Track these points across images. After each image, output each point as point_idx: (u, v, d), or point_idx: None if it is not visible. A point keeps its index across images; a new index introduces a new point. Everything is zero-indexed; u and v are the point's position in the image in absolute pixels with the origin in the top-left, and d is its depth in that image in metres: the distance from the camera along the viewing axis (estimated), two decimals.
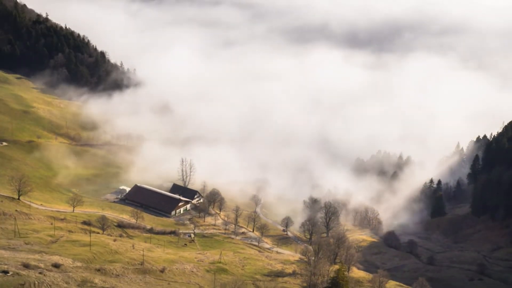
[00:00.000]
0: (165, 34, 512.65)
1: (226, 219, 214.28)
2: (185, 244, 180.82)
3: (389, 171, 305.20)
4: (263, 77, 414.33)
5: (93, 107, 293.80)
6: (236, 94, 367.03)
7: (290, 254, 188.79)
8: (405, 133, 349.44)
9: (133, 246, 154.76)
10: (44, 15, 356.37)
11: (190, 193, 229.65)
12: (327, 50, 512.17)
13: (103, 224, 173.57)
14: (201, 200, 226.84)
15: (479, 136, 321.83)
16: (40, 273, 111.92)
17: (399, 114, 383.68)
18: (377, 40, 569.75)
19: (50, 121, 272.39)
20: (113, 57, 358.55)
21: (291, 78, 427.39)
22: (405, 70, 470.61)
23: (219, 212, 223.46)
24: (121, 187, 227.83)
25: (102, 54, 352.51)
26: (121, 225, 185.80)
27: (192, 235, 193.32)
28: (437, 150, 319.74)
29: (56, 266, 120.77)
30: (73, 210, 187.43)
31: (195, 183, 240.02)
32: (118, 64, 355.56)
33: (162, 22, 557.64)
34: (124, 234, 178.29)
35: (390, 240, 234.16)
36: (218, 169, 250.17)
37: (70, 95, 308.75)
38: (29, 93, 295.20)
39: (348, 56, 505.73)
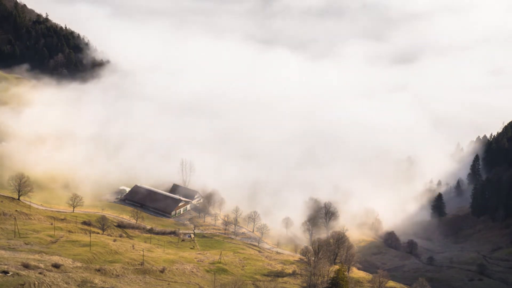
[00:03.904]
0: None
1: (226, 219, 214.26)
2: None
3: (388, 171, 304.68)
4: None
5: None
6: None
7: (290, 254, 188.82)
8: (405, 133, 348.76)
9: (133, 246, 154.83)
10: (44, 15, 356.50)
11: (190, 193, 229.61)
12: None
13: (103, 224, 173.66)
14: (201, 201, 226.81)
15: (479, 136, 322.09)
16: (40, 273, 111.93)
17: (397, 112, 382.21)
18: None
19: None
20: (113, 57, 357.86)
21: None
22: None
23: (219, 212, 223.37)
24: (121, 187, 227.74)
25: (102, 54, 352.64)
26: (121, 225, 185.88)
27: (192, 235, 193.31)
28: (437, 150, 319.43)
29: (56, 266, 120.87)
30: (73, 210, 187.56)
31: (195, 184, 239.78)
32: (118, 64, 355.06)
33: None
34: (124, 234, 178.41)
35: (390, 240, 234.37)
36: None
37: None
38: (29, 92, 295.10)
39: None
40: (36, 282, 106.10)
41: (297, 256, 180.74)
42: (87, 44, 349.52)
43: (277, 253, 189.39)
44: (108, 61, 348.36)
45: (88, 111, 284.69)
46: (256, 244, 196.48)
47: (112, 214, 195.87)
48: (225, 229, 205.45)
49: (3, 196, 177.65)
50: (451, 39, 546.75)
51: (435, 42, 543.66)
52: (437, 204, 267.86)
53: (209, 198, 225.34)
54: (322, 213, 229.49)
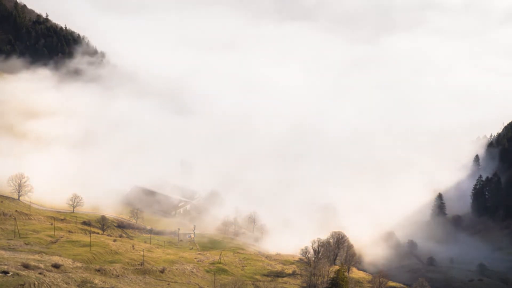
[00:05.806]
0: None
1: (226, 219, 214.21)
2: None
3: (387, 171, 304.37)
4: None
5: None
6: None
7: (290, 254, 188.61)
8: (405, 133, 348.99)
9: (133, 246, 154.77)
10: (44, 15, 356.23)
11: (190, 194, 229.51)
12: None
13: (103, 224, 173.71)
14: (201, 201, 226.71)
15: (479, 136, 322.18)
16: (40, 273, 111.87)
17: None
18: None
19: None
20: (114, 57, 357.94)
21: None
22: None
23: (219, 212, 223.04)
24: (121, 188, 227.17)
25: (102, 54, 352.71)
26: (121, 226, 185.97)
27: (192, 236, 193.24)
28: (437, 150, 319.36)
29: (56, 266, 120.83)
30: (73, 210, 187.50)
31: (195, 184, 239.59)
32: (118, 63, 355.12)
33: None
34: (124, 235, 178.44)
35: (390, 240, 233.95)
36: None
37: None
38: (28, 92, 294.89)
39: None
40: (36, 282, 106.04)
41: (297, 256, 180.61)
42: (86, 43, 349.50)
43: (277, 253, 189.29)
44: (108, 61, 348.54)
45: (89, 110, 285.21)
46: (256, 244, 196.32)
47: (112, 214, 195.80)
48: (225, 229, 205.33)
49: (3, 196, 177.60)
50: (448, 39, 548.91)
51: (432, 41, 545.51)
52: (437, 204, 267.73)
53: (209, 198, 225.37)
54: (322, 214, 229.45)
